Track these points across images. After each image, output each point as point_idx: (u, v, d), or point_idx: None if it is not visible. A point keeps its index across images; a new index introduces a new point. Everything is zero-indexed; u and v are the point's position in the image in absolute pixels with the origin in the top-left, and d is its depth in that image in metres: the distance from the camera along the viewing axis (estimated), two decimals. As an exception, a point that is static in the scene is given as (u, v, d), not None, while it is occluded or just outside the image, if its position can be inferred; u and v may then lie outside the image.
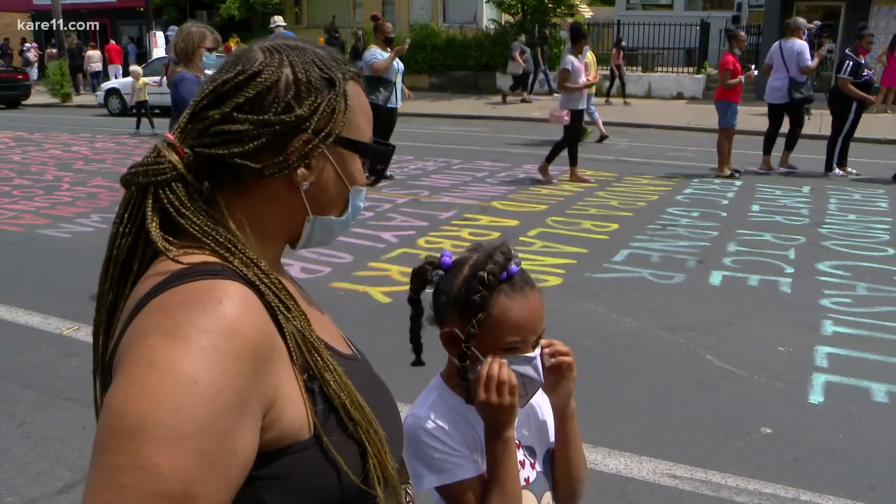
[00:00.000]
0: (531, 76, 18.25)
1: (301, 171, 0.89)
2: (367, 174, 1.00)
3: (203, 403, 0.70)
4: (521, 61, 17.41)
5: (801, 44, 9.38)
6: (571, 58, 8.52)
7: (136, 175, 0.85)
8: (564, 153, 8.95)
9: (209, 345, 0.72)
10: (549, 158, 9.01)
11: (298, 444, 0.81)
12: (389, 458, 0.89)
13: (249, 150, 0.85)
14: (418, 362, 1.37)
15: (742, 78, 9.15)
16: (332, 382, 0.85)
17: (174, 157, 0.85)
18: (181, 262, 0.81)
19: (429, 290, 1.31)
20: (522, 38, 18.14)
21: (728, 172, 9.34)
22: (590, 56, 12.57)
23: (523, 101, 17.96)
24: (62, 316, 4.69)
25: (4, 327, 4.59)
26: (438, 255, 1.30)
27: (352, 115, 0.92)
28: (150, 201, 0.84)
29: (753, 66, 10.15)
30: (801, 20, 9.82)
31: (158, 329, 0.74)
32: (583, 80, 8.58)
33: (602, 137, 12.31)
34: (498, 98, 18.75)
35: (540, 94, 18.81)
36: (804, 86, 9.34)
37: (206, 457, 0.70)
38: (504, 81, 19.71)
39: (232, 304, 0.76)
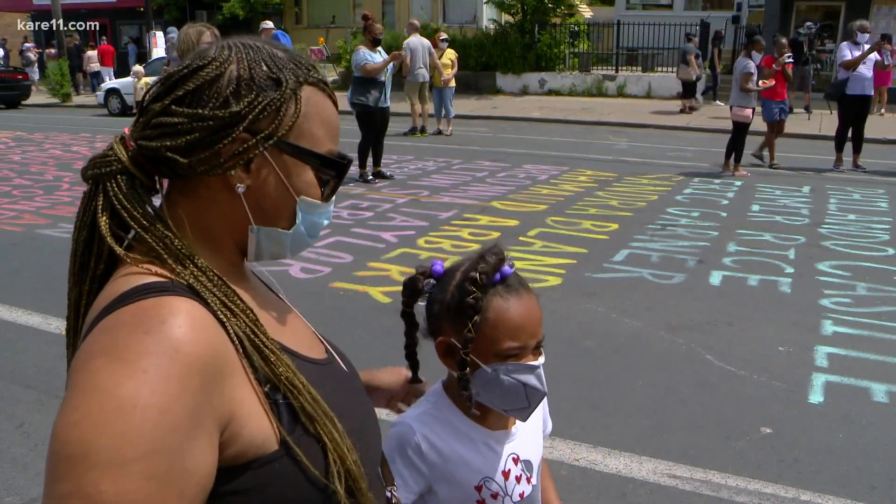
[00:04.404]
0: (702, 81, 16.15)
1: (237, 172, 0.84)
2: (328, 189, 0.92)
3: (146, 426, 0.69)
4: (696, 66, 15.45)
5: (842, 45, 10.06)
6: (749, 61, 9.24)
7: (88, 168, 0.86)
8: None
9: (150, 366, 0.71)
10: (737, 159, 9.45)
11: (265, 457, 0.79)
12: (349, 451, 0.86)
13: (181, 143, 0.82)
14: (415, 380, 1.34)
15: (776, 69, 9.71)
16: (283, 380, 0.82)
17: (121, 151, 0.85)
18: (129, 262, 0.81)
19: (421, 303, 1.27)
20: (696, 40, 16.06)
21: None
22: (450, 52, 13.05)
23: (692, 109, 15.79)
24: (62, 316, 4.63)
25: (4, 327, 4.59)
26: (429, 265, 1.26)
27: (304, 121, 0.87)
28: (101, 195, 0.84)
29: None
30: (856, 23, 10.09)
31: (101, 352, 0.73)
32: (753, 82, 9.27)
33: (433, 130, 13.35)
34: (495, 98, 18.67)
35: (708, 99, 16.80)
36: (838, 84, 9.87)
37: (153, 479, 0.68)
38: (504, 82, 19.70)
39: (176, 322, 0.74)
